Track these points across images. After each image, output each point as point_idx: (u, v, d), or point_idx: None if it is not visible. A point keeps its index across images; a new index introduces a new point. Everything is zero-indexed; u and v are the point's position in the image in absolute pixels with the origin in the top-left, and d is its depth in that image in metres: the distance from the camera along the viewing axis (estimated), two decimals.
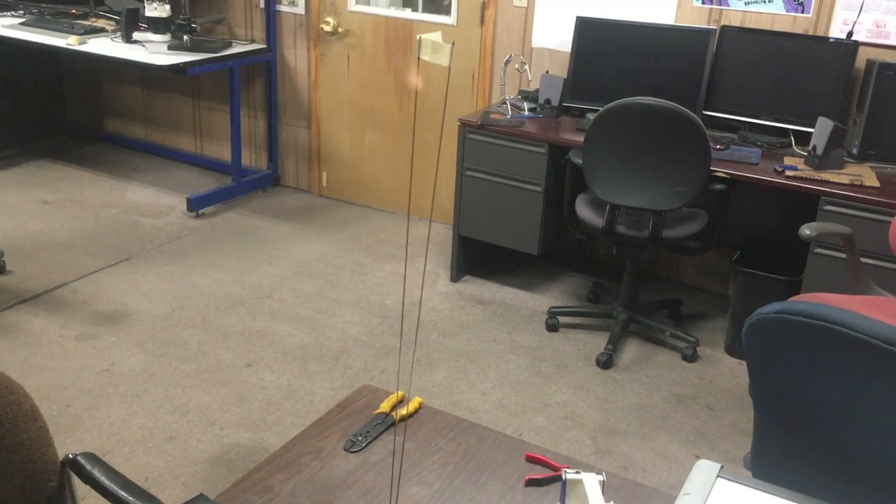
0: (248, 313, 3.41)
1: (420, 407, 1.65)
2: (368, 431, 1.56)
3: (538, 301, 3.65)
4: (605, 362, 3.14)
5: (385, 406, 1.63)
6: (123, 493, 1.42)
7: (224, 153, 4.91)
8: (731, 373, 3.17)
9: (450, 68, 0.91)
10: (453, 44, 0.90)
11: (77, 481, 1.48)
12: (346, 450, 1.52)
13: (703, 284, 3.82)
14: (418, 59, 0.92)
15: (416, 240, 4.27)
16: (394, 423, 1.59)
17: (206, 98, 4.94)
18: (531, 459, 1.51)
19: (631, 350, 3.30)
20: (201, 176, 4.92)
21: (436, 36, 0.91)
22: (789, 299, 2.51)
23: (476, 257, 3.84)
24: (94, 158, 5.11)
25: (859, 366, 1.31)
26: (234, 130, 4.52)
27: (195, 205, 4.35)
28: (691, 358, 3.22)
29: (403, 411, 1.62)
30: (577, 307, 3.60)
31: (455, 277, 3.79)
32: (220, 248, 4.00)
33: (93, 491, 1.42)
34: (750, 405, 2.94)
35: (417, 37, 0.91)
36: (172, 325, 3.28)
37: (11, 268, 3.63)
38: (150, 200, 4.53)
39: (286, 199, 4.71)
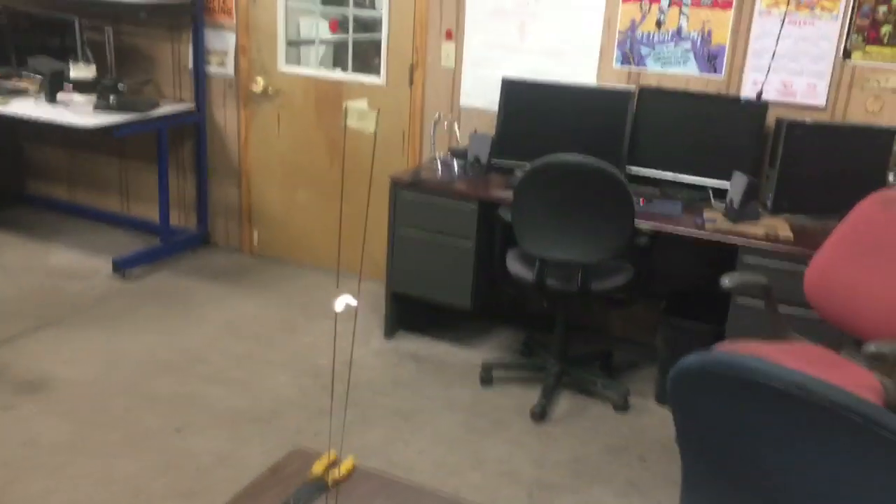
0: (177, 377, 3.33)
1: (354, 468, 1.64)
2: (300, 498, 1.54)
3: (472, 355, 3.67)
4: (539, 415, 3.17)
5: (318, 468, 1.61)
6: None
7: (152, 213, 4.84)
8: (662, 422, 3.23)
9: (376, 134, 0.94)
10: (378, 111, 0.93)
11: None
12: None
13: (632, 335, 3.90)
14: (345, 126, 0.94)
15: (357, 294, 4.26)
16: (327, 488, 1.57)
17: (133, 158, 4.88)
18: None
19: (564, 402, 3.33)
20: (128, 237, 4.82)
21: (361, 103, 0.94)
22: (715, 347, 2.59)
23: (409, 313, 3.84)
24: (15, 221, 4.97)
25: (779, 414, 1.36)
26: (163, 191, 4.47)
27: (122, 266, 4.26)
28: (622, 408, 3.27)
29: (336, 473, 1.60)
30: (510, 361, 3.63)
31: (389, 334, 3.78)
32: (147, 311, 3.91)
33: None
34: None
35: (344, 104, 0.93)
36: (97, 392, 3.18)
37: None
38: (75, 263, 4.42)
39: (217, 258, 4.65)
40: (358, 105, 0.93)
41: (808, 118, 3.30)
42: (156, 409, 3.09)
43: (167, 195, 4.50)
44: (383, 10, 4.04)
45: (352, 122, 0.94)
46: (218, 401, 3.17)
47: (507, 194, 3.28)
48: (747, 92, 3.44)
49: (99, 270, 4.33)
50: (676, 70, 3.54)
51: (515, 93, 3.65)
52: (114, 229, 4.94)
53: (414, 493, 1.58)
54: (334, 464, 1.63)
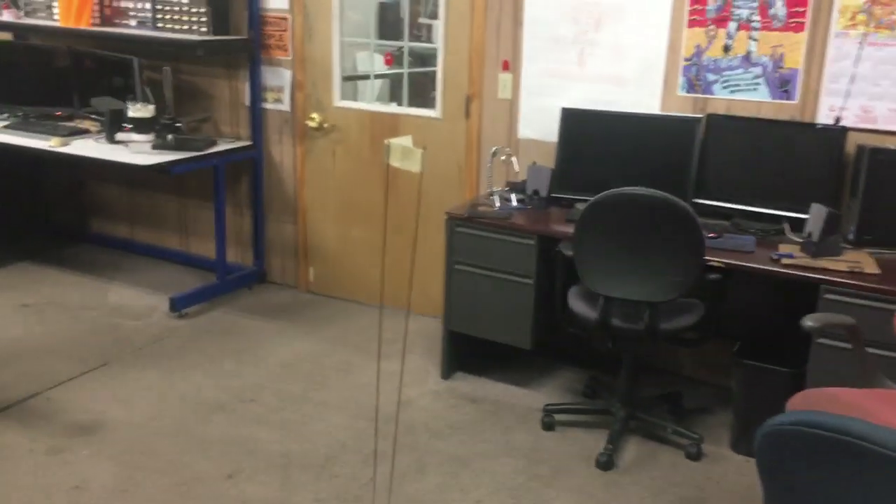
0: (229, 419, 3.25)
1: None
2: None
3: (533, 398, 3.51)
4: (606, 463, 2.98)
5: None
6: None
7: (210, 250, 4.82)
8: (739, 471, 3.01)
9: (421, 174, 0.82)
10: (425, 149, 0.81)
11: None
12: None
13: (703, 376, 3.69)
14: (387, 165, 0.83)
15: (409, 335, 4.13)
16: None
17: (192, 196, 4.89)
18: None
19: (632, 449, 3.14)
20: (186, 274, 4.82)
21: (406, 140, 0.82)
22: (799, 394, 2.39)
23: (467, 352, 3.71)
24: (77, 259, 5.01)
25: (887, 484, 1.19)
26: (219, 228, 4.44)
27: (178, 305, 4.23)
28: (696, 456, 3.07)
29: None
30: (573, 404, 3.45)
31: (446, 374, 3.65)
32: (202, 350, 3.86)
33: None
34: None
35: (386, 142, 0.82)
36: (150, 434, 3.12)
37: None
38: (132, 301, 4.42)
39: (272, 296, 4.60)
40: (401, 143, 0.81)
41: (891, 144, 3.08)
42: (208, 452, 3.01)
43: (223, 232, 4.48)
44: (439, 42, 3.97)
45: (395, 162, 0.83)
46: (271, 444, 3.08)
47: (569, 229, 3.14)
48: (823, 118, 3.24)
49: (156, 308, 4.31)
50: (746, 96, 3.36)
51: (575, 123, 3.52)
52: (173, 266, 4.94)
53: None
54: None
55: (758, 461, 1.39)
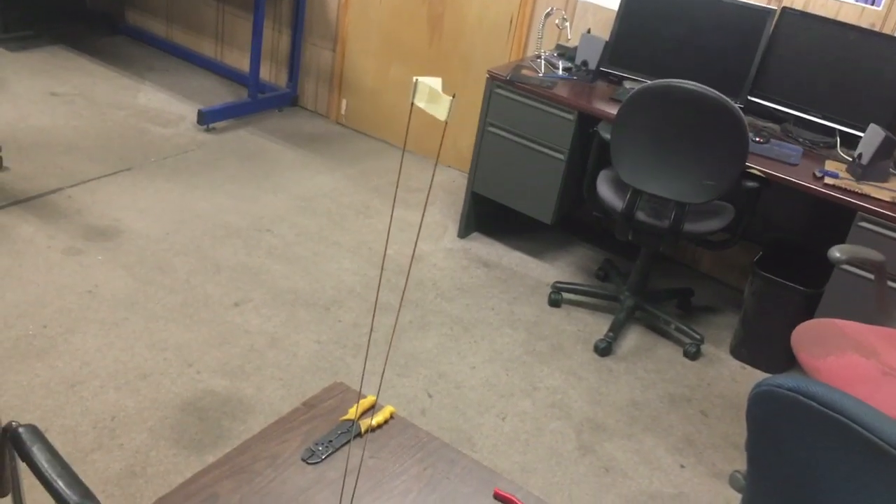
0: (244, 246, 3.29)
1: (391, 417, 1.54)
2: (331, 441, 1.45)
3: (545, 271, 3.51)
4: (604, 349, 3.02)
5: (353, 413, 1.51)
6: (60, 483, 1.33)
7: (244, 64, 4.71)
8: (732, 377, 3.05)
9: (446, 123, 0.75)
10: (454, 96, 0.73)
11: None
12: (303, 460, 1.41)
13: (719, 275, 3.66)
14: (412, 103, 0.76)
15: (433, 186, 4.10)
16: (359, 435, 1.48)
17: (232, 3, 4.71)
18: (499, 498, 1.40)
19: (632, 338, 3.17)
20: (218, 85, 4.73)
21: (435, 82, 0.74)
22: (807, 323, 2.36)
23: (488, 215, 3.68)
24: (111, 52, 4.92)
25: (871, 471, 1.18)
26: (256, 43, 4.30)
27: (207, 118, 4.18)
28: (693, 356, 3.10)
29: (371, 422, 1.51)
30: (583, 285, 3.45)
31: (463, 234, 3.64)
32: (225, 170, 3.85)
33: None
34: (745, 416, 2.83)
35: (414, 79, 0.74)
36: (164, 249, 3.17)
37: (8, 164, 3.51)
38: (162, 106, 4.37)
39: (302, 122, 4.53)
40: (430, 83, 0.73)
41: None
42: (218, 277, 3.07)
43: (259, 48, 4.33)
44: None
45: (420, 103, 0.75)
46: (280, 279, 3.13)
47: (612, 109, 3.01)
48: None
49: (184, 118, 4.27)
50: None
51: None
52: (205, 74, 4.85)
53: (449, 456, 1.47)
54: (372, 408, 1.53)
55: (747, 412, 1.38)
